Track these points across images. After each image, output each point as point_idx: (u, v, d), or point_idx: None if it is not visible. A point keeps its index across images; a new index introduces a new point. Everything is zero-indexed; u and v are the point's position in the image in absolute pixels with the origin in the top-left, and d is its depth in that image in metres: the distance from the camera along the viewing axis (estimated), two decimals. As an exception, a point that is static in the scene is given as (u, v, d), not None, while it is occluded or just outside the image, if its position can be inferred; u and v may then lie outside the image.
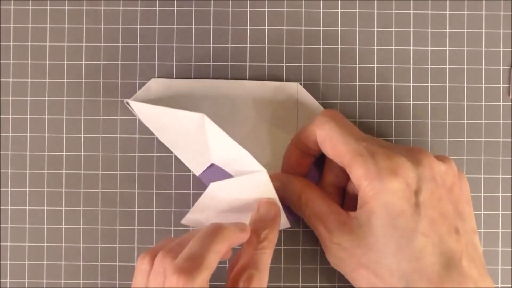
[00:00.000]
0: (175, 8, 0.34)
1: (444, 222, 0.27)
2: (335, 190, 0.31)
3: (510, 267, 0.33)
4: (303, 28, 0.34)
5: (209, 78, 0.34)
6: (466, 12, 0.34)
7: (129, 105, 0.32)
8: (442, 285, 0.26)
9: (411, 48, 0.34)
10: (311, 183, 0.31)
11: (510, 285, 0.33)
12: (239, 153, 0.29)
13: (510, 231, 0.34)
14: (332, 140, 0.28)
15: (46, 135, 0.34)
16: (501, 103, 0.34)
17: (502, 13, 0.34)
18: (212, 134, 0.29)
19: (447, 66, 0.34)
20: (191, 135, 0.31)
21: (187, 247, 0.25)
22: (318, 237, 0.30)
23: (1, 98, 0.34)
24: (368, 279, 0.27)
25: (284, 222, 0.31)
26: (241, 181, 0.29)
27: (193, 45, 0.34)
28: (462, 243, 0.27)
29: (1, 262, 0.34)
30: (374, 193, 0.27)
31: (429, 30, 0.34)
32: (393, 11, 0.34)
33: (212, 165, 0.33)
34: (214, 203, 0.30)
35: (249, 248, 0.28)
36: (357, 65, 0.34)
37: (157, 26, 0.34)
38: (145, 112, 0.32)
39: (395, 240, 0.26)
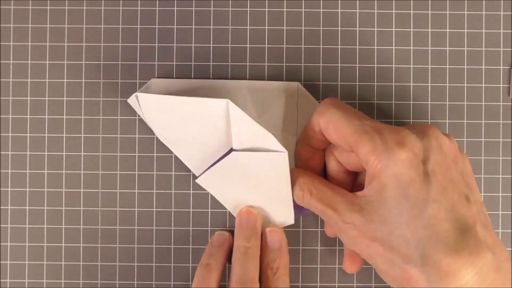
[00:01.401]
0: (175, 8, 0.34)
1: (454, 189, 0.27)
2: (341, 179, 0.31)
3: (510, 267, 0.33)
4: (303, 28, 0.34)
5: (209, 78, 0.34)
6: (466, 12, 0.34)
7: (137, 99, 0.32)
8: (458, 251, 0.25)
9: (411, 48, 0.34)
10: (311, 173, 0.31)
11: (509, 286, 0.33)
12: (263, 136, 0.29)
13: (510, 231, 0.34)
14: (335, 124, 0.28)
15: (46, 135, 0.34)
16: (501, 103, 0.34)
17: (502, 13, 0.34)
18: (235, 119, 0.30)
19: (447, 66, 0.34)
20: (208, 124, 0.31)
21: (236, 271, 0.31)
22: (328, 222, 0.29)
23: (1, 98, 0.34)
24: (383, 256, 0.27)
25: (289, 218, 0.32)
26: (261, 156, 0.30)
27: (193, 45, 0.34)
28: (473, 210, 0.27)
29: (1, 262, 0.34)
30: (382, 166, 0.27)
31: (429, 30, 0.34)
32: (393, 11, 0.34)
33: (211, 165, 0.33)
34: (230, 171, 0.31)
35: (267, 281, 0.31)
36: (357, 65, 0.34)
37: (157, 26, 0.34)
38: (155, 104, 0.31)
39: (408, 210, 0.26)
